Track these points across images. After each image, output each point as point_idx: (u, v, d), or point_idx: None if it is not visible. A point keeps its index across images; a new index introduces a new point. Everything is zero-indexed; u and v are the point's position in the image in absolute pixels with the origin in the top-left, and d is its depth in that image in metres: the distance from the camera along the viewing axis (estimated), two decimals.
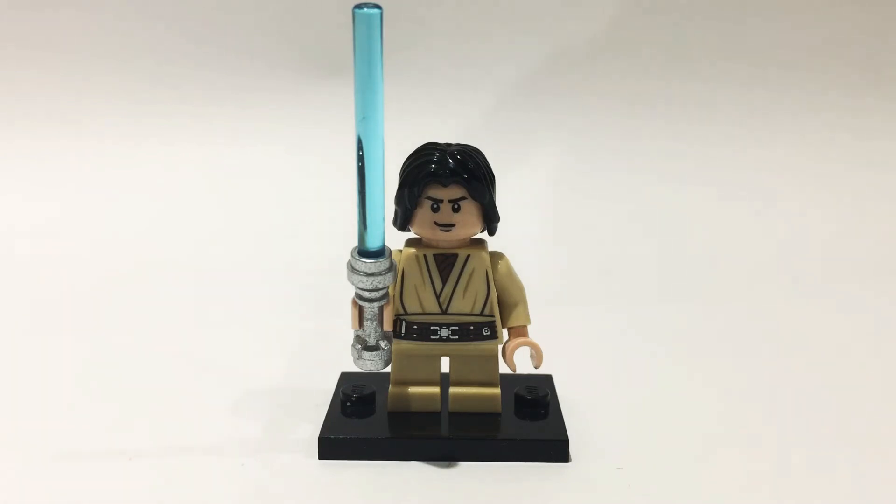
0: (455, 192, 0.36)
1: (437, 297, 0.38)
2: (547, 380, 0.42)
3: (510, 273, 0.39)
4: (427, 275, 0.38)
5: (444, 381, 0.39)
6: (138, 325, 0.54)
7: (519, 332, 0.39)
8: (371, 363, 0.37)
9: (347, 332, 0.38)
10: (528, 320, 0.39)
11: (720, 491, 0.35)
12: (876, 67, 0.82)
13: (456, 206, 0.36)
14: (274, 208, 0.75)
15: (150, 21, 0.80)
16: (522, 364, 0.39)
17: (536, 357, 0.38)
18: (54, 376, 0.46)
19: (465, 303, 0.38)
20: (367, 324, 0.37)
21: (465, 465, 0.37)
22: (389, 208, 0.37)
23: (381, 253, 0.36)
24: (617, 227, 0.74)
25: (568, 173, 0.79)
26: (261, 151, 0.80)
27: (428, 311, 0.38)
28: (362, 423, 0.39)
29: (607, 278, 0.65)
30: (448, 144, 0.37)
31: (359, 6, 0.33)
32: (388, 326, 0.37)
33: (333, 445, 0.37)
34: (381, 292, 0.36)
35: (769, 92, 0.82)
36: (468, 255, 0.38)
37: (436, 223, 0.37)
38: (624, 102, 0.81)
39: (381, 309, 0.37)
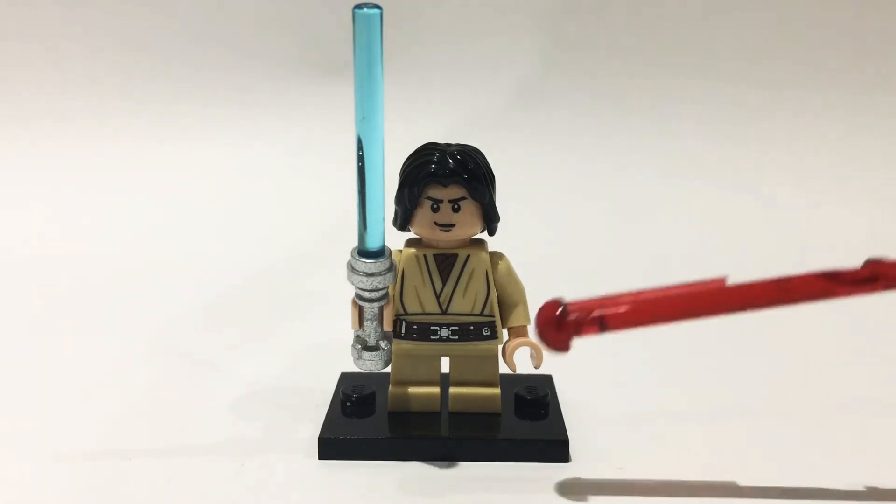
0: (455, 192, 0.36)
1: (437, 297, 0.38)
2: (547, 380, 0.42)
3: (510, 273, 0.39)
4: (427, 275, 0.38)
5: (444, 381, 0.39)
6: (138, 324, 0.54)
7: (519, 332, 0.39)
8: (371, 363, 0.37)
9: (347, 332, 0.38)
10: (528, 320, 0.39)
11: (720, 491, 0.35)
12: (877, 64, 0.82)
13: (456, 206, 0.36)
14: (274, 208, 0.76)
15: (150, 21, 0.80)
16: (522, 364, 0.39)
17: (536, 357, 0.38)
18: (54, 376, 0.46)
19: (465, 303, 0.38)
20: (367, 324, 0.37)
21: (465, 465, 0.37)
22: (389, 208, 0.37)
23: (381, 253, 0.36)
24: (617, 227, 0.74)
25: (569, 172, 0.79)
26: (261, 151, 0.80)
27: (428, 311, 0.38)
28: (362, 423, 0.39)
29: (607, 278, 0.65)
30: (448, 144, 0.37)
31: (359, 6, 0.33)
32: (388, 326, 0.37)
33: (333, 445, 0.37)
34: (381, 292, 0.36)
35: (768, 90, 0.82)
36: (468, 255, 0.38)
37: (436, 223, 0.37)
38: (624, 102, 0.81)
39: (381, 309, 0.37)
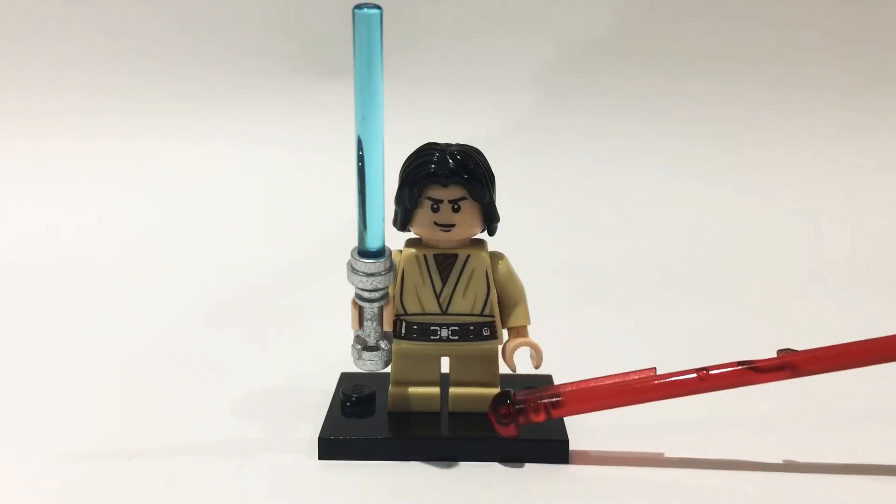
0: (455, 192, 0.36)
1: (437, 297, 0.38)
2: (547, 380, 0.42)
3: (510, 273, 0.39)
4: (427, 275, 0.38)
5: (444, 381, 0.39)
6: (138, 325, 0.54)
7: (519, 332, 0.39)
8: (371, 363, 0.37)
9: (347, 332, 0.38)
10: (528, 320, 0.39)
11: (721, 491, 0.35)
12: (877, 65, 0.82)
13: (456, 207, 0.36)
14: (273, 208, 0.76)
15: (149, 20, 0.80)
16: (522, 364, 0.39)
17: (536, 357, 0.38)
18: (55, 376, 0.46)
19: (465, 303, 0.38)
20: (367, 324, 0.37)
21: (465, 465, 0.37)
22: (389, 208, 0.37)
23: (380, 253, 0.36)
24: (616, 227, 0.74)
25: (570, 172, 0.79)
26: (261, 151, 0.80)
27: (428, 311, 0.38)
28: (362, 423, 0.39)
29: (608, 278, 0.65)
30: (448, 144, 0.37)
31: (359, 6, 0.33)
32: (388, 326, 0.37)
33: (333, 445, 0.37)
34: (381, 292, 0.36)
35: (774, 91, 0.82)
36: (468, 256, 0.38)
37: (436, 223, 0.37)
38: (627, 101, 0.81)
39: (380, 309, 0.37)
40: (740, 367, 0.36)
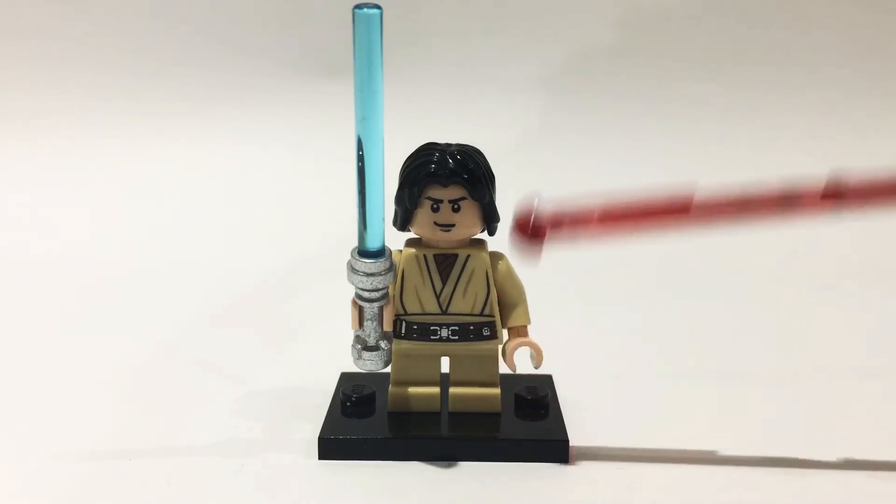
0: (455, 192, 0.36)
1: (437, 297, 0.38)
2: (547, 380, 0.42)
3: (510, 273, 0.39)
4: (427, 275, 0.38)
5: (444, 381, 0.39)
6: (138, 325, 0.54)
7: (519, 332, 0.39)
8: (371, 363, 0.37)
9: (347, 332, 0.38)
10: (528, 320, 0.39)
11: (721, 491, 0.35)
12: (879, 64, 0.82)
13: (456, 207, 0.36)
14: (274, 208, 0.76)
15: (149, 20, 0.80)
16: (522, 364, 0.39)
17: (536, 357, 0.38)
18: (55, 376, 0.46)
19: (465, 303, 0.38)
20: (367, 324, 0.37)
21: (465, 465, 0.37)
22: (389, 208, 0.37)
23: (380, 253, 0.36)
24: None
25: (570, 172, 0.79)
26: (261, 151, 0.80)
27: (428, 311, 0.38)
28: (362, 423, 0.39)
29: (608, 278, 0.65)
30: (448, 144, 0.37)
31: (359, 6, 0.33)
32: (388, 326, 0.37)
33: (333, 445, 0.37)
34: (381, 292, 0.36)
35: (775, 91, 0.81)
36: (468, 256, 0.38)
37: (436, 223, 0.37)
38: (628, 101, 0.81)
39: (381, 309, 0.37)
40: (782, 193, 0.32)
